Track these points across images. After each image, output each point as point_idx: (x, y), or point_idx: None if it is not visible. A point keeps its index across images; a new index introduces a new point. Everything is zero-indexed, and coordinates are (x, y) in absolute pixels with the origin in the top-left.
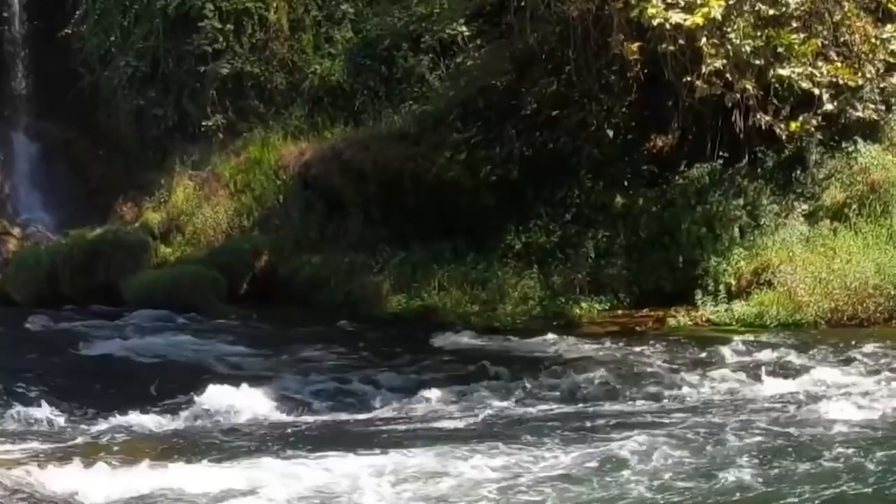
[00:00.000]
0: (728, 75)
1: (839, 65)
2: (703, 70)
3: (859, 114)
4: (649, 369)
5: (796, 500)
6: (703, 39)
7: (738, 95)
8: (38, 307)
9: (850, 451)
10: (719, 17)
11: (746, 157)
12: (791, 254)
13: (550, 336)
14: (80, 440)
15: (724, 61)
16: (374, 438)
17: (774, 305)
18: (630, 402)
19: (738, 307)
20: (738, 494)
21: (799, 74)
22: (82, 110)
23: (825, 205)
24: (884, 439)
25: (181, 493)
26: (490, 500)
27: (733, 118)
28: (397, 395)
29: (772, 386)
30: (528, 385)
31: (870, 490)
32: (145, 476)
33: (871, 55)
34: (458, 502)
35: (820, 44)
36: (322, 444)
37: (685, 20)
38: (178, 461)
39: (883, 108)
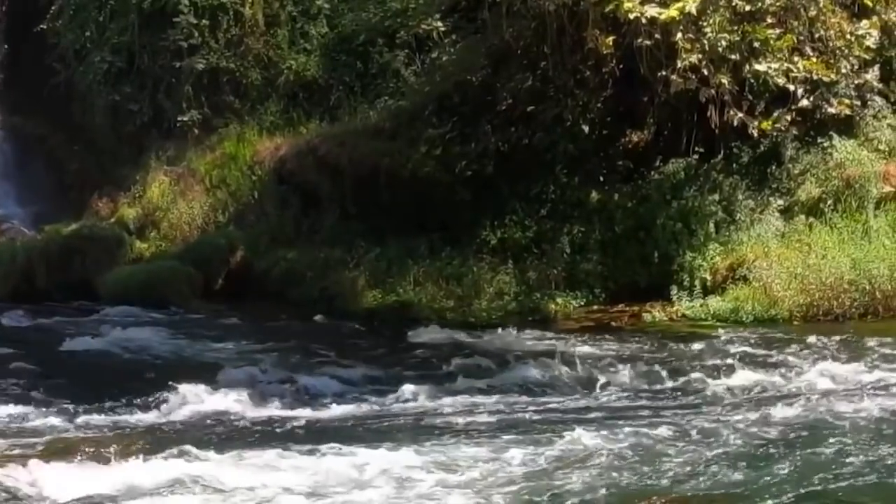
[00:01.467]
0: (704, 70)
1: (814, 60)
2: (679, 65)
3: (833, 110)
4: (624, 364)
5: (771, 495)
6: (679, 34)
7: (714, 91)
8: (13, 303)
9: (828, 445)
10: (694, 11)
11: (722, 152)
12: (766, 249)
13: (526, 331)
14: (52, 436)
15: (700, 56)
16: (349, 433)
17: (750, 301)
18: (605, 398)
19: (714, 302)
20: (711, 488)
21: (775, 70)
22: (58, 106)
23: (800, 200)
24: (861, 433)
25: (154, 488)
26: (466, 494)
27: (709, 114)
28: (372, 390)
29: (746, 380)
30: (502, 380)
31: (844, 484)
32: (118, 472)
33: (846, 51)
34: (433, 497)
35: (795, 39)
36: (296, 439)
37: (660, 14)
38: (151, 457)
39: (858, 103)
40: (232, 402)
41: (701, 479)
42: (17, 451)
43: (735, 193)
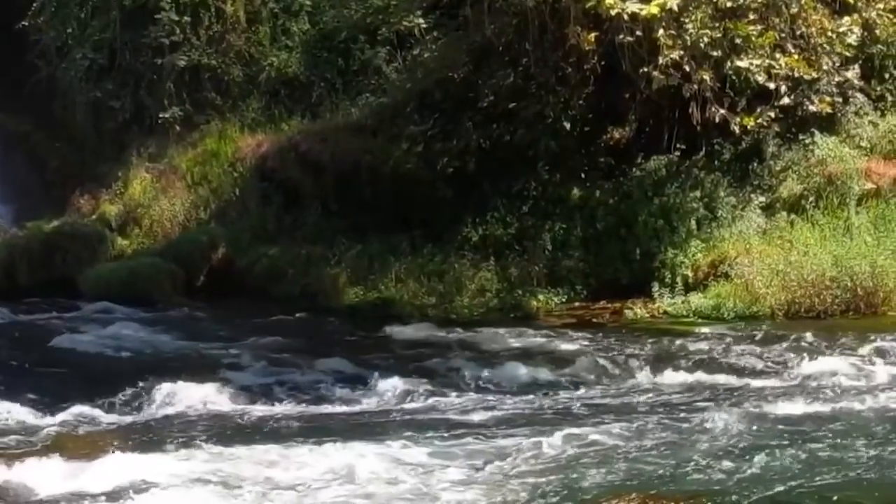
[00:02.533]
0: (685, 67)
1: (796, 57)
2: (661, 61)
3: (814, 108)
4: (605, 361)
5: (754, 490)
6: (661, 30)
7: (696, 87)
8: None
9: (810, 441)
10: (676, 8)
11: (703, 149)
12: (748, 246)
13: (507, 328)
14: (35, 433)
15: (682, 53)
16: (330, 430)
17: (731, 298)
18: (585, 394)
19: (695, 299)
20: (693, 485)
21: (756, 67)
22: (39, 102)
23: (782, 197)
24: (844, 431)
25: (137, 485)
26: (444, 491)
27: (690, 110)
28: (353, 386)
29: (727, 377)
30: (483, 377)
31: (827, 480)
32: (101, 469)
33: (827, 48)
34: (411, 493)
35: (777, 36)
36: (279, 435)
37: (641, 10)
38: (133, 453)
39: (840, 100)
40: (213, 398)
41: (682, 475)
42: (6, 449)
43: (717, 190)
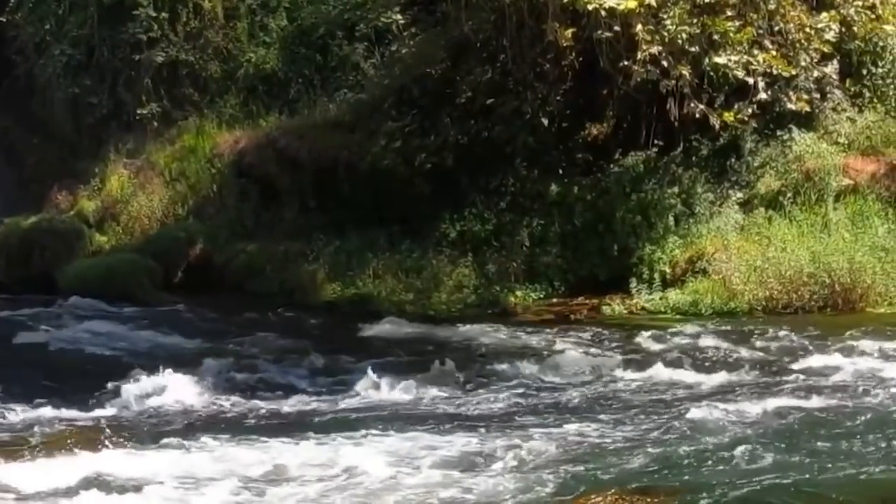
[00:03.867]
0: (663, 62)
1: (774, 54)
2: (639, 56)
3: (792, 105)
4: (583, 357)
5: (726, 487)
6: (639, 26)
7: (673, 83)
8: None
9: (784, 438)
10: (654, 3)
11: (681, 145)
12: (726, 242)
13: (485, 324)
14: (11, 430)
15: (660, 48)
16: (306, 426)
17: (709, 294)
18: (562, 390)
19: (673, 295)
20: (670, 480)
21: (735, 63)
22: (17, 98)
23: (760, 193)
24: (819, 427)
25: (113, 481)
26: (420, 486)
27: (668, 106)
28: (330, 382)
29: (704, 374)
30: (461, 373)
31: (806, 475)
32: (77, 465)
33: (805, 44)
34: (386, 487)
35: (755, 32)
36: (256, 431)
37: (619, 5)
38: (110, 449)
39: (818, 96)
40: (190, 394)
41: (660, 471)
42: None
43: (694, 186)
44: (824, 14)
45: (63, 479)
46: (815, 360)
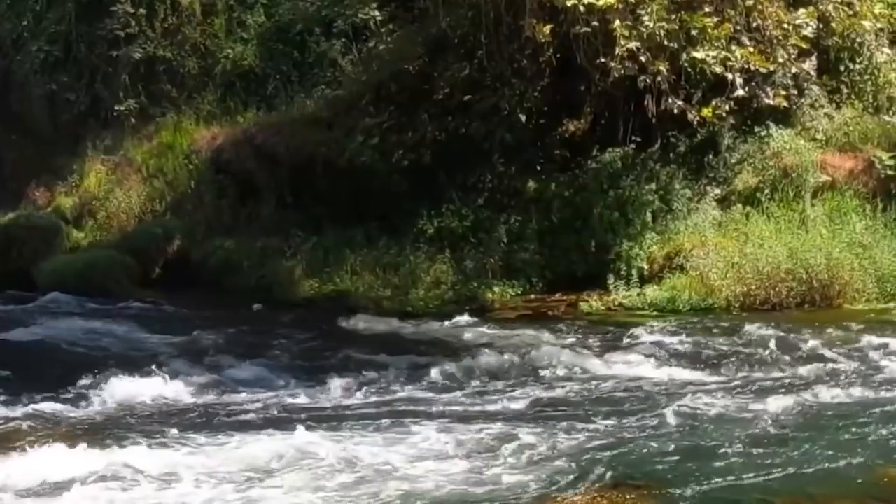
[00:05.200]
0: (641, 58)
1: (751, 50)
2: (617, 52)
3: (769, 101)
4: (559, 353)
5: (698, 484)
6: (617, 21)
7: (651, 79)
8: None
9: (757, 436)
10: None
11: (659, 141)
12: (703, 238)
13: (462, 320)
14: None
15: (638, 44)
16: (283, 422)
17: (687, 290)
18: (538, 387)
19: (651, 291)
20: (641, 478)
21: (713, 58)
22: None
23: (738, 189)
24: (793, 424)
25: (89, 477)
26: (395, 480)
27: (645, 103)
28: (308, 378)
29: (680, 370)
30: (437, 369)
31: (777, 474)
32: (53, 461)
33: (783, 40)
34: (359, 482)
35: (732, 28)
36: (232, 427)
37: (597, 0)
38: (86, 446)
39: (795, 93)
40: (167, 390)
41: (632, 468)
42: None
43: (672, 182)
44: (802, 10)
45: (36, 476)
46: (792, 357)
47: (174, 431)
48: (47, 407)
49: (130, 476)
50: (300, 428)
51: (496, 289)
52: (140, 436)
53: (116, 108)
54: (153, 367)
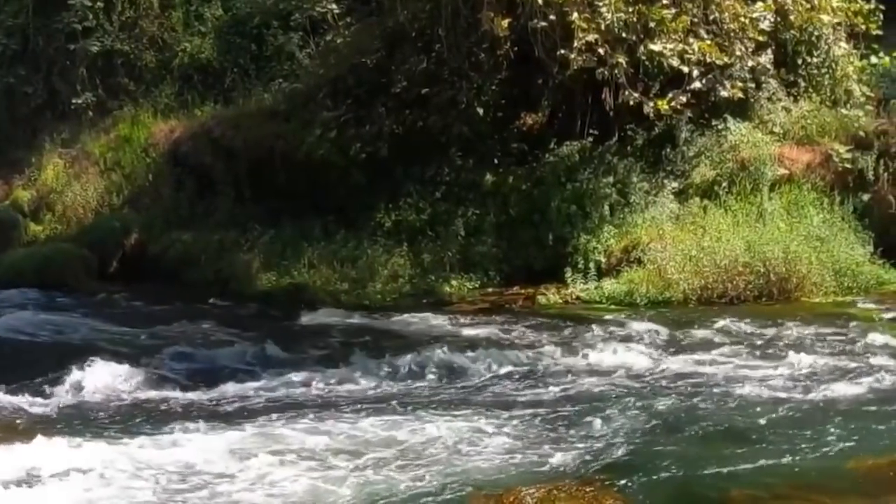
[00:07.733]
0: (600, 51)
1: (709, 43)
2: (575, 44)
3: (726, 94)
4: (516, 347)
5: (655, 474)
6: (575, 14)
7: (609, 72)
8: None
9: (714, 428)
10: None
11: (616, 134)
12: (661, 231)
13: (420, 314)
14: None
15: (596, 36)
16: (240, 415)
17: (644, 283)
18: (494, 380)
19: (608, 285)
20: (597, 472)
21: (670, 51)
22: None
23: (695, 182)
24: (748, 417)
25: (48, 471)
26: (346, 472)
27: (603, 96)
28: (265, 372)
29: (637, 362)
30: (394, 363)
31: (732, 467)
32: (13, 455)
33: (740, 33)
34: (318, 479)
35: (690, 21)
36: (188, 420)
37: None
38: (44, 439)
39: (753, 86)
40: (123, 384)
41: (587, 462)
42: None
43: (629, 176)
44: (759, 3)
45: None
46: (748, 350)
47: (129, 425)
48: (4, 400)
49: (86, 470)
50: (257, 421)
51: (454, 282)
52: (95, 429)
53: (74, 101)
54: (110, 360)
